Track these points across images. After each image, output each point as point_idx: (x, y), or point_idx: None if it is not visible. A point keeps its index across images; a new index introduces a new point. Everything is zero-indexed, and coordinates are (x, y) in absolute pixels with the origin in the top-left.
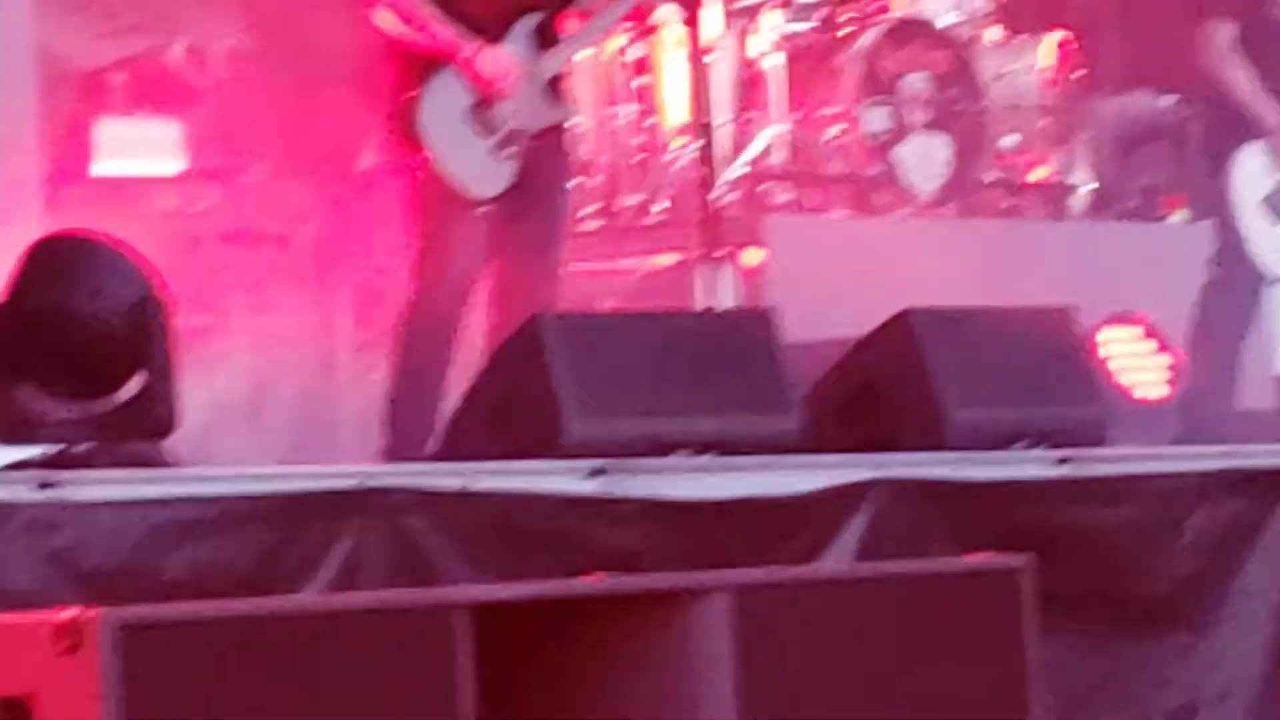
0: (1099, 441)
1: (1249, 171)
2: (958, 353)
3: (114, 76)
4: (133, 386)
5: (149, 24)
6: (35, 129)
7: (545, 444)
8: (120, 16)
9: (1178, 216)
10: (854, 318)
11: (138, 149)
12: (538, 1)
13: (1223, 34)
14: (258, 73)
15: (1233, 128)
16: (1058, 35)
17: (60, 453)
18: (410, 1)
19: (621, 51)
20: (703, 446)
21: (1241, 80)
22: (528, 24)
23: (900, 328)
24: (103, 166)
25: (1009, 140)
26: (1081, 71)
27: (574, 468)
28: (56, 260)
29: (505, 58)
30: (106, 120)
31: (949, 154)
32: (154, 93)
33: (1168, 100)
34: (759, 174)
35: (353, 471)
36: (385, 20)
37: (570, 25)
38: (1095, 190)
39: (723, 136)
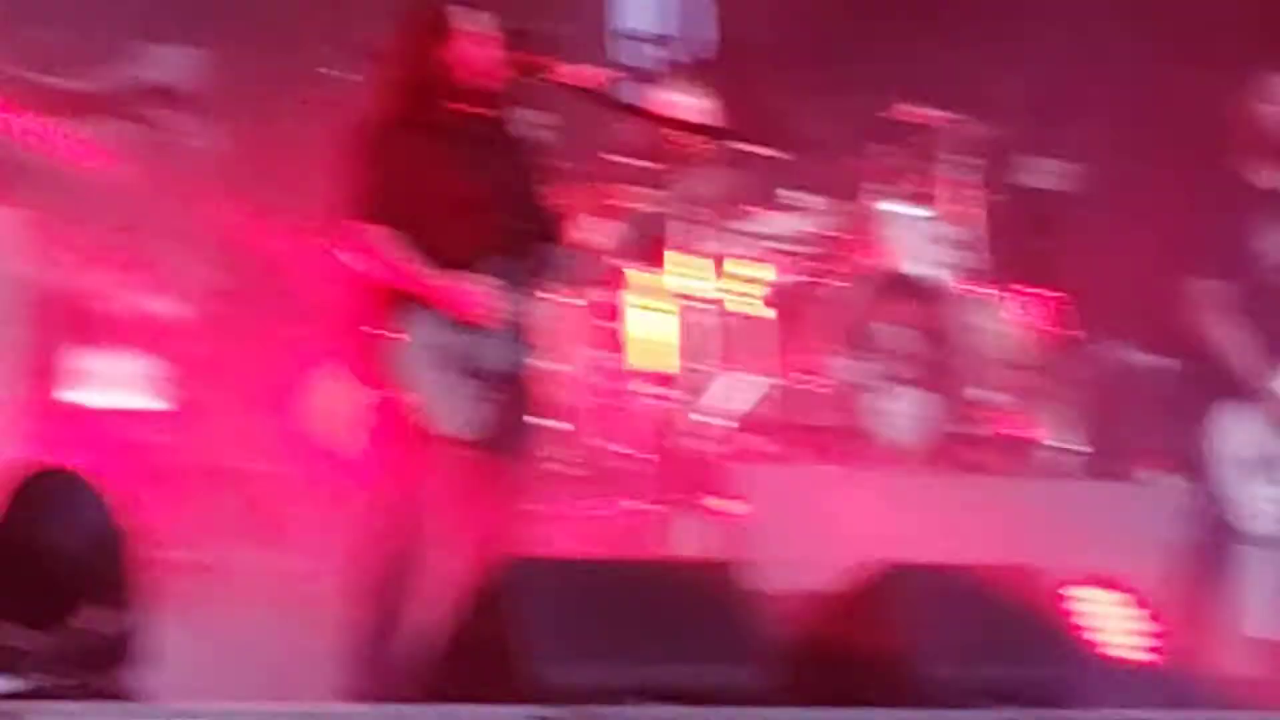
0: (1068, 702)
1: (1231, 431)
2: (930, 610)
3: (93, 309)
4: (98, 618)
5: (128, 256)
6: (17, 358)
7: (508, 688)
8: (101, 250)
9: (1153, 475)
10: (828, 570)
11: (114, 382)
12: (509, 243)
13: (1212, 293)
14: (231, 310)
15: (1215, 386)
16: (1037, 291)
17: (23, 690)
18: (381, 241)
19: (596, 296)
20: (666, 696)
21: (1228, 339)
22: (498, 265)
23: (874, 582)
24: (78, 396)
25: (988, 395)
26: (1061, 328)
27: (535, 714)
28: (26, 494)
29: (479, 295)
30: (83, 352)
31: (929, 408)
32: (130, 328)
33: (1145, 358)
34: (742, 424)
35: (323, 711)
36: (356, 260)
37: (542, 265)
38: (1073, 448)
39: (698, 384)
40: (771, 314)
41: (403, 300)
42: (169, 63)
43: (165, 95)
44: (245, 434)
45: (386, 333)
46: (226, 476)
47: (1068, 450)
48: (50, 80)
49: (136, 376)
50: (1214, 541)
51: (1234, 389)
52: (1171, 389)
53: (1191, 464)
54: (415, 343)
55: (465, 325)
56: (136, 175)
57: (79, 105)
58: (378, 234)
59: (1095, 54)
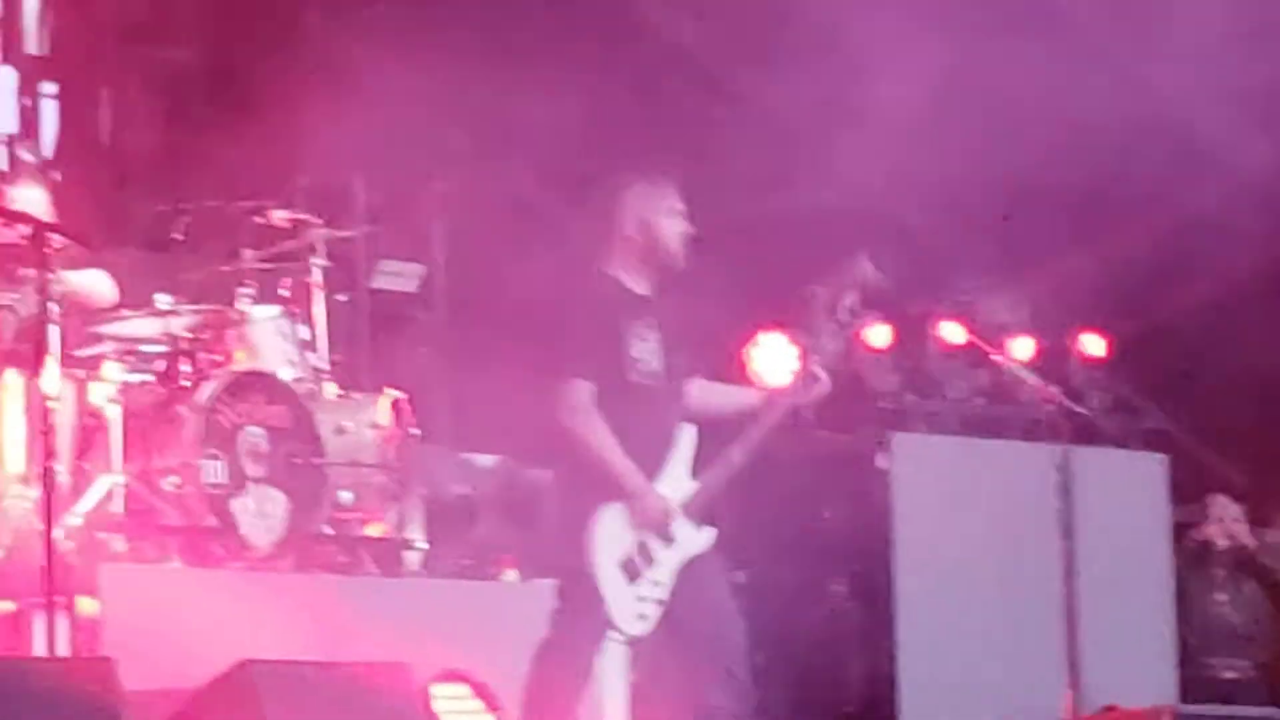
0: None
1: (607, 532)
2: (296, 706)
3: None
4: None
5: None
6: None
7: None
8: None
9: (510, 575)
10: (192, 668)
11: None
12: None
13: (582, 393)
14: None
15: (591, 489)
16: (393, 395)
17: None
18: None
19: None
20: None
21: (600, 440)
22: None
23: (238, 679)
24: None
25: (346, 495)
26: (416, 430)
27: None
28: None
29: None
30: None
31: (287, 507)
32: None
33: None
34: (96, 522)
35: None
36: None
37: None
38: (428, 548)
39: (60, 485)
40: (122, 413)
41: None
42: None
43: None
44: None
45: None
46: None
47: (426, 549)
48: None
49: None
50: (581, 639)
51: (609, 493)
52: (546, 490)
53: (569, 567)
54: None
55: None
56: None
57: None
58: None
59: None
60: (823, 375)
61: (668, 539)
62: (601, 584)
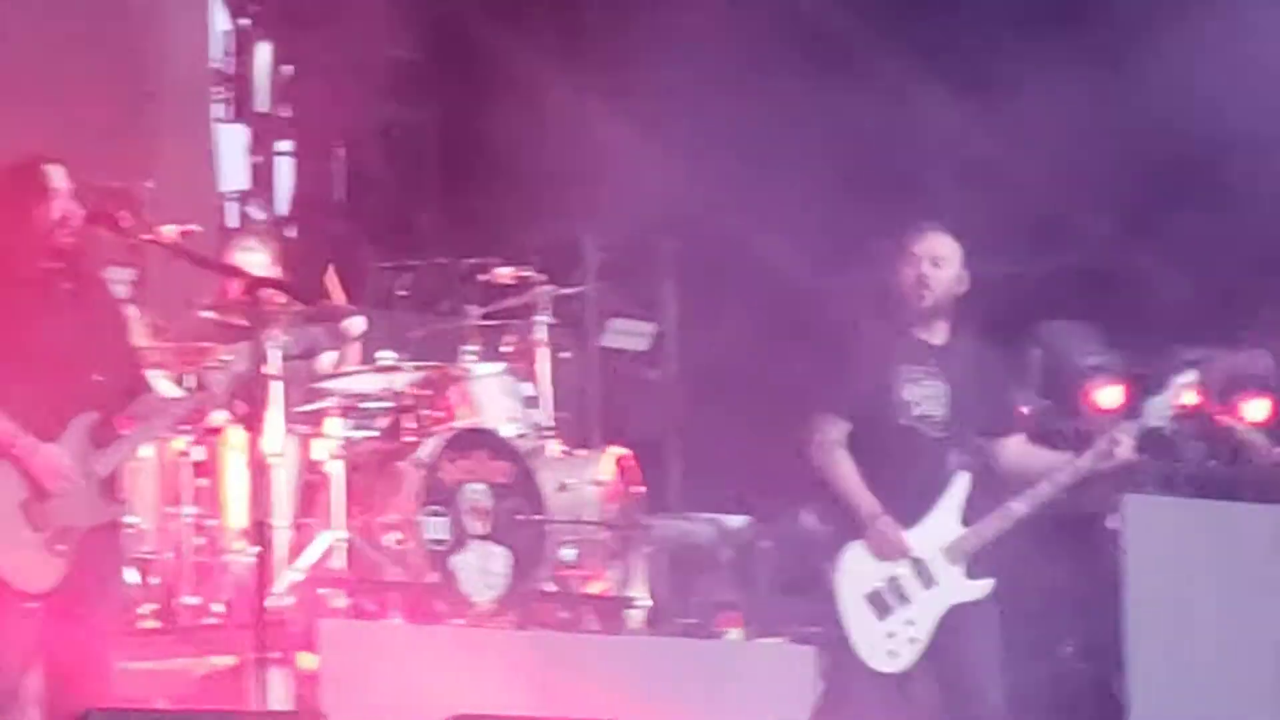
0: None
1: (851, 566)
2: None
3: None
4: None
5: None
6: None
7: None
8: None
9: (735, 634)
10: None
11: None
12: (94, 400)
13: (832, 429)
14: None
15: (843, 529)
16: (617, 452)
17: None
18: None
19: (184, 453)
20: None
21: (842, 473)
22: (84, 421)
23: None
24: None
25: (569, 552)
26: (640, 488)
27: None
28: None
29: (58, 458)
30: None
31: (509, 564)
32: None
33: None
34: (316, 578)
35: None
36: None
37: (127, 425)
38: (651, 606)
39: (281, 540)
40: (344, 468)
41: None
42: None
43: None
44: None
45: None
46: None
47: (649, 607)
48: None
49: None
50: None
51: (855, 530)
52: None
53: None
54: None
55: (44, 484)
56: None
57: None
58: None
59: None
60: (1125, 442)
61: (927, 580)
62: (845, 617)
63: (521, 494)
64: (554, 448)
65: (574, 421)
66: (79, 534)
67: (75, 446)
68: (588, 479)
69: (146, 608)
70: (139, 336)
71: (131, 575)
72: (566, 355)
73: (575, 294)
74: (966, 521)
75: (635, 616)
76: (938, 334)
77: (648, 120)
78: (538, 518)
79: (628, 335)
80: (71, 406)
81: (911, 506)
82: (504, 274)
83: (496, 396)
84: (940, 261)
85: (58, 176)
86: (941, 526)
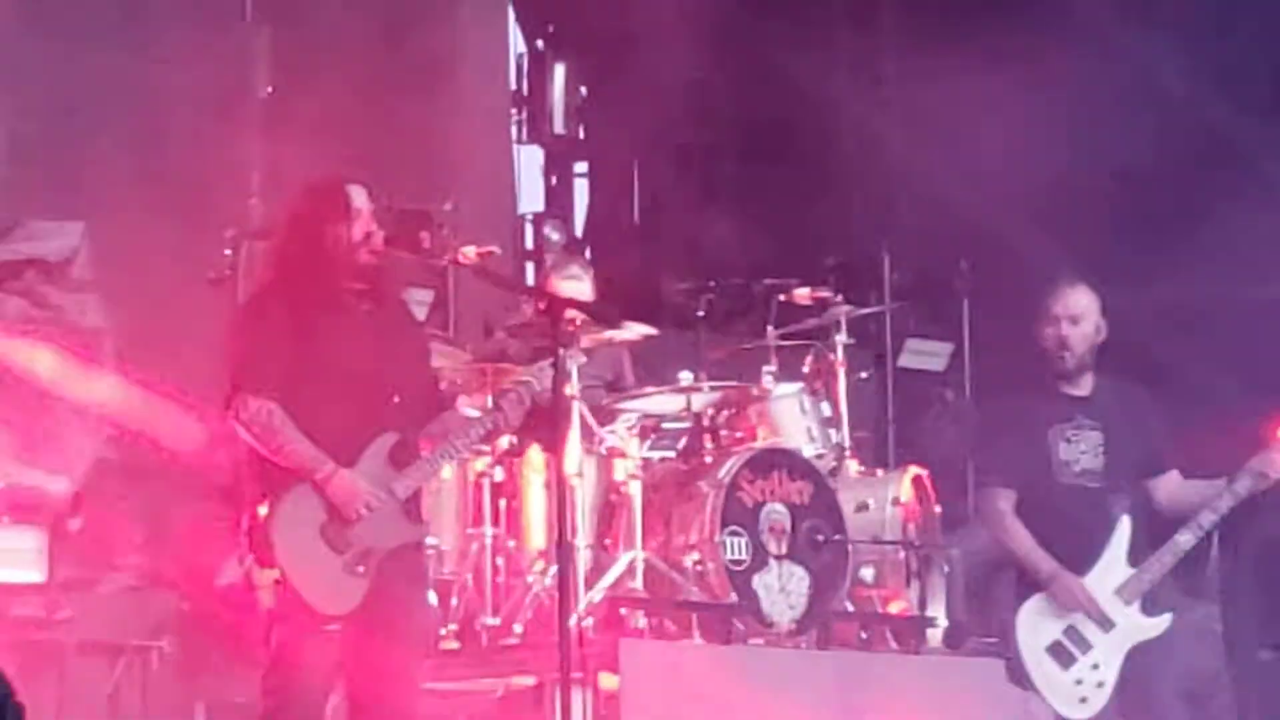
0: None
1: (1029, 621)
2: None
3: None
4: None
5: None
6: None
7: None
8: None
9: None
10: None
11: (3, 557)
12: (393, 422)
13: (1000, 500)
14: (120, 485)
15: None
16: (915, 471)
17: None
18: (268, 420)
19: (483, 474)
20: None
21: (1017, 540)
22: (385, 443)
23: None
24: None
25: (867, 572)
26: (939, 507)
27: None
28: None
29: (356, 485)
30: None
31: (808, 584)
32: (18, 504)
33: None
34: (617, 599)
35: None
36: (243, 431)
37: (427, 446)
38: (950, 625)
39: (581, 561)
40: (643, 489)
41: (288, 479)
42: (51, 238)
43: (46, 269)
44: (139, 611)
45: (267, 508)
46: (120, 653)
47: (948, 626)
48: None
49: (24, 553)
50: None
51: (1035, 585)
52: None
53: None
54: (295, 521)
55: (344, 509)
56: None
57: None
58: (261, 407)
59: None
60: (1272, 473)
61: (1104, 623)
62: (1030, 671)
63: (821, 514)
64: (852, 467)
65: (872, 441)
66: (379, 556)
67: (375, 469)
68: (886, 499)
69: (447, 628)
70: (437, 357)
71: (432, 596)
72: (864, 375)
73: (872, 314)
74: (1134, 562)
75: (934, 636)
76: (1083, 386)
77: (946, 139)
78: (837, 538)
79: (924, 355)
80: (371, 428)
81: (1084, 558)
82: (802, 294)
83: (795, 416)
84: (1079, 318)
85: (359, 197)
86: (1111, 571)
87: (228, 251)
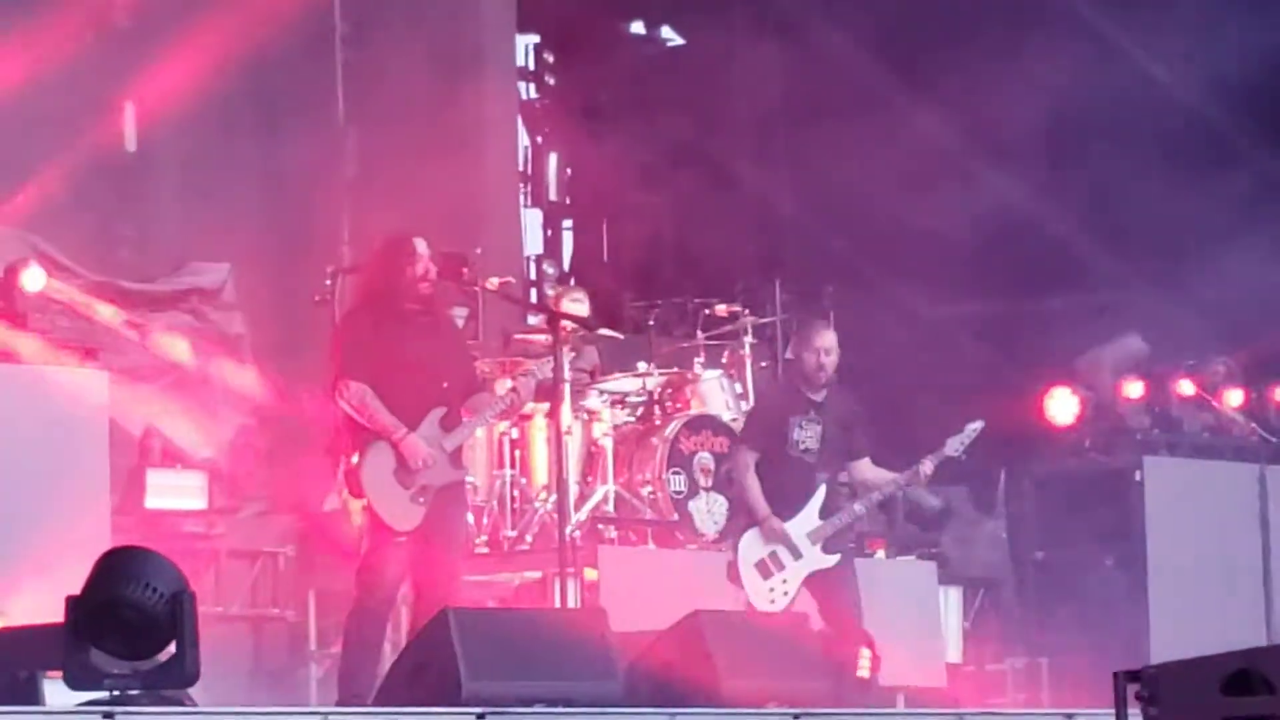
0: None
1: (747, 544)
2: (735, 645)
3: (154, 441)
4: (169, 652)
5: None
6: (106, 477)
7: (448, 698)
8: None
9: (879, 554)
10: (659, 618)
11: (175, 492)
12: (444, 398)
13: (746, 457)
14: (256, 442)
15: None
16: None
17: (117, 695)
18: (361, 397)
19: (505, 433)
20: (557, 701)
21: (749, 487)
22: (438, 413)
23: (691, 624)
24: (151, 502)
25: None
26: None
27: (466, 713)
28: (119, 565)
29: (419, 445)
30: (153, 471)
31: (726, 508)
32: (182, 454)
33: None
34: (596, 518)
35: (316, 710)
36: (344, 405)
37: (466, 415)
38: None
39: (572, 492)
40: (613, 443)
41: (372, 436)
42: (207, 273)
43: (205, 294)
44: (269, 529)
45: (357, 457)
46: (257, 557)
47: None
48: (131, 284)
49: (193, 488)
50: None
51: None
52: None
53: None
54: (376, 466)
55: (409, 461)
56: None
57: (150, 301)
58: (358, 389)
59: None
60: (928, 467)
61: (795, 553)
62: (743, 576)
63: (734, 459)
64: None
65: None
66: (434, 490)
67: (430, 431)
68: None
69: (479, 539)
70: (474, 354)
71: (469, 518)
72: (764, 365)
73: (769, 322)
74: (824, 516)
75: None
76: (820, 394)
77: (824, 193)
78: None
79: None
80: (428, 403)
81: (793, 507)
82: (721, 309)
83: (717, 393)
84: (831, 350)
85: (421, 245)
86: (807, 519)
87: (328, 282)
